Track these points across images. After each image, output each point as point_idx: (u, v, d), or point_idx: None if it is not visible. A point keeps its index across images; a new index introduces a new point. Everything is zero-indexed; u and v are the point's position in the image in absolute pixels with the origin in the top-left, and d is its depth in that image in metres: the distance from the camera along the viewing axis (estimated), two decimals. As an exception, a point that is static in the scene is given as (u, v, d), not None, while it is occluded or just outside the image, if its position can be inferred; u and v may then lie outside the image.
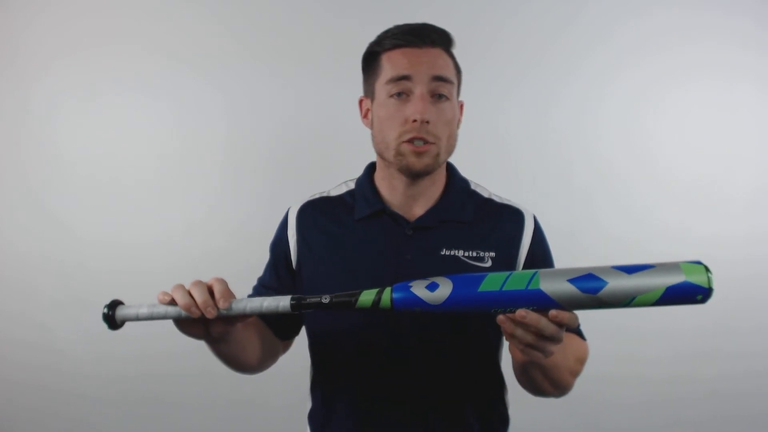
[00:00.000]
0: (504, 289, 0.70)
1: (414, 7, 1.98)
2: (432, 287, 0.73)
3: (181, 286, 0.76)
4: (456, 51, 1.02)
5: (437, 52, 0.95)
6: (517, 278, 0.71)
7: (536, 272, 0.71)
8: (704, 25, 2.03)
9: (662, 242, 2.00)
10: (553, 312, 0.68)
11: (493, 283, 0.71)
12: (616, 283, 0.67)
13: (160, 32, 2.08)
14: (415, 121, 0.90)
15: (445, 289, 0.72)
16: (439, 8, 2.03)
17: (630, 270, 0.68)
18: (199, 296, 0.74)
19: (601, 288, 0.67)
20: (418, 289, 0.73)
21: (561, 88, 2.05)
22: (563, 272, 0.70)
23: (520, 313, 0.69)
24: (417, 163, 0.93)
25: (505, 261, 0.97)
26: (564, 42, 2.05)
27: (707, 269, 0.67)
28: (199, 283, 0.76)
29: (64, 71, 2.10)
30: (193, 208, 2.11)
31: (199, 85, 2.08)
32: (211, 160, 2.10)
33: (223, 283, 0.77)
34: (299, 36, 2.06)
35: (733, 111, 2.05)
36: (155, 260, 2.10)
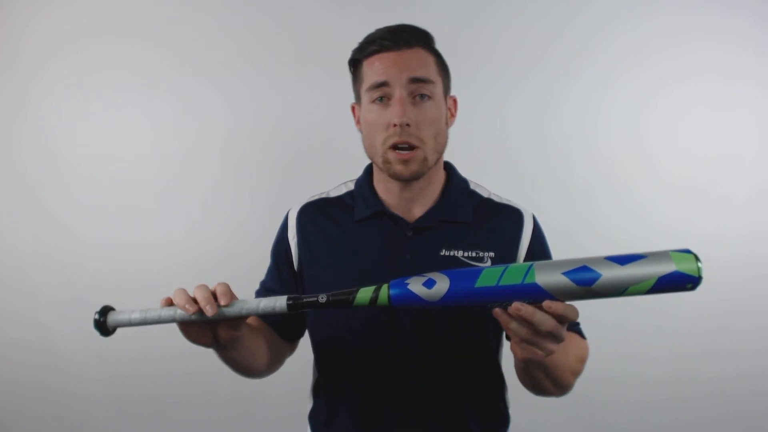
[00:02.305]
0: (500, 284, 0.71)
1: (414, 9, 1.99)
2: (429, 284, 0.73)
3: (183, 289, 0.76)
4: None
5: (415, 53, 0.94)
6: (513, 272, 0.71)
7: (531, 265, 0.71)
8: (704, 25, 2.04)
9: (662, 242, 1.98)
10: (547, 302, 0.68)
11: (489, 278, 0.71)
12: (610, 275, 0.68)
13: (160, 32, 2.08)
14: (395, 125, 0.91)
15: (442, 285, 0.72)
16: (439, 9, 2.03)
17: (622, 261, 0.69)
18: (200, 294, 0.74)
19: (595, 280, 0.68)
20: (415, 285, 0.73)
21: (561, 89, 2.05)
22: (558, 265, 0.71)
23: (515, 306, 0.69)
24: (404, 171, 0.93)
25: (505, 261, 0.97)
26: (564, 42, 2.05)
27: (697, 258, 0.67)
28: (201, 285, 0.76)
29: (63, 71, 2.10)
30: (193, 208, 2.11)
31: (200, 86, 2.09)
32: (211, 161, 2.10)
33: (224, 284, 0.77)
34: (299, 37, 2.06)
35: (733, 111, 2.05)
36: (155, 260, 2.10)
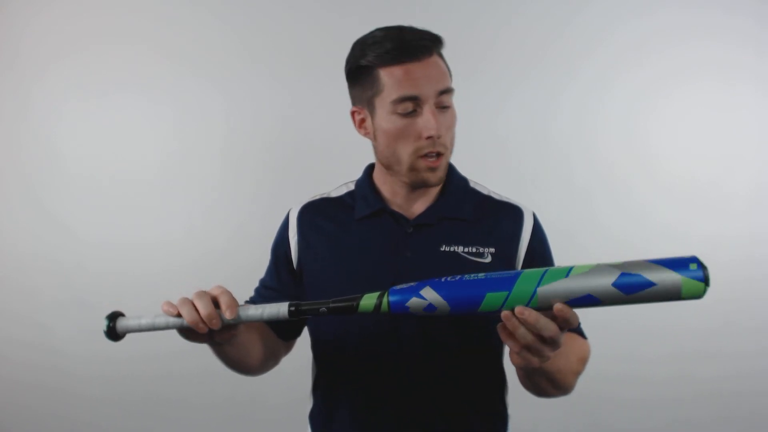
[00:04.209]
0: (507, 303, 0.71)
1: (414, 9, 1.99)
2: (430, 309, 0.73)
3: (188, 301, 0.75)
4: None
5: (435, 62, 0.93)
6: (522, 291, 0.70)
7: (535, 292, 0.70)
8: (704, 25, 2.03)
9: (662, 242, 2.00)
10: (558, 306, 0.68)
11: (494, 302, 0.71)
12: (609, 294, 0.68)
13: (160, 32, 2.09)
14: (429, 137, 0.91)
15: (442, 311, 0.73)
16: (439, 9, 2.03)
17: (629, 288, 0.67)
18: (204, 309, 0.74)
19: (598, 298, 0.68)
20: (415, 308, 0.74)
21: (561, 89, 2.05)
22: (561, 281, 0.70)
23: (519, 309, 0.69)
24: (432, 178, 0.94)
25: (505, 257, 0.97)
26: (564, 42, 2.05)
27: (705, 283, 0.66)
28: (203, 296, 0.76)
29: (63, 71, 2.11)
30: (193, 208, 2.11)
31: (200, 86, 2.09)
32: (211, 161, 2.10)
33: (228, 294, 0.77)
34: (299, 37, 2.06)
35: (733, 111, 2.05)
36: (155, 261, 2.10)
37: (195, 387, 2.09)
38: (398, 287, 0.75)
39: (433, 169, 0.94)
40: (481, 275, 0.73)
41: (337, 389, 1.01)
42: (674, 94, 2.05)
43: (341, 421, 1.00)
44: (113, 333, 0.78)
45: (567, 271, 0.69)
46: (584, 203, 2.06)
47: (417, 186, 0.97)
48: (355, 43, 0.97)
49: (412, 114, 0.92)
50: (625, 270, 0.67)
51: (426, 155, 0.93)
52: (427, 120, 0.91)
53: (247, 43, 2.08)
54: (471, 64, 1.98)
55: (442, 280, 0.74)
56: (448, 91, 0.93)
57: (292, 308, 0.77)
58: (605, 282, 0.67)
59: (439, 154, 0.93)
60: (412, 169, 0.94)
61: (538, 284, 0.69)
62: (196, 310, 0.75)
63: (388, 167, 0.98)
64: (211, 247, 2.09)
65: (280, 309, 0.77)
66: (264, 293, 1.06)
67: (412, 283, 0.75)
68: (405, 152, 0.93)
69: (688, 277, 0.65)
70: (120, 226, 2.11)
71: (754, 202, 2.07)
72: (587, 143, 2.07)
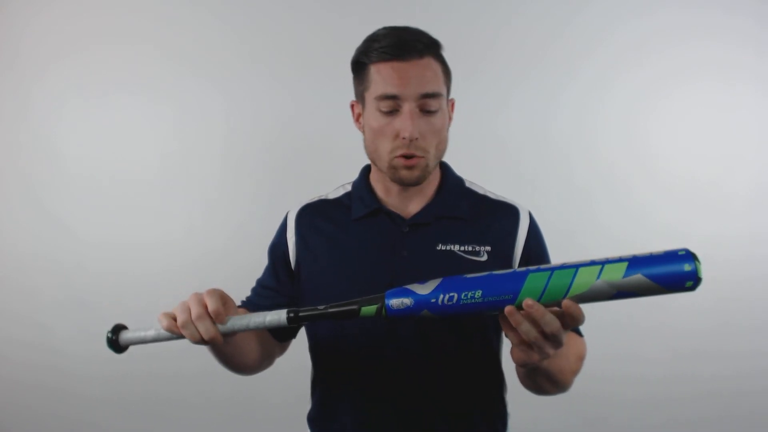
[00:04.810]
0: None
1: (414, 9, 1.99)
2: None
3: (190, 323, 0.76)
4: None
5: (425, 63, 0.93)
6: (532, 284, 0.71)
7: (552, 271, 0.72)
8: (704, 25, 2.04)
9: (662, 242, 1.99)
10: (566, 302, 0.69)
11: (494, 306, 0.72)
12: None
13: (160, 32, 2.09)
14: (404, 138, 0.91)
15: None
16: (439, 9, 2.03)
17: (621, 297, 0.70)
18: (207, 335, 0.76)
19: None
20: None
21: (561, 89, 2.05)
22: (557, 302, 0.71)
23: (527, 302, 0.69)
24: (408, 176, 0.94)
25: (501, 256, 0.98)
26: (564, 42, 2.05)
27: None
28: (204, 319, 0.76)
29: (64, 71, 2.11)
30: (193, 208, 2.11)
31: (200, 86, 2.09)
32: (211, 161, 2.10)
33: (216, 300, 0.77)
34: (299, 38, 2.07)
35: (733, 111, 2.05)
36: (155, 261, 2.10)
37: (195, 387, 2.09)
38: (395, 306, 0.75)
39: (409, 168, 0.94)
40: (477, 296, 0.72)
41: (335, 391, 1.02)
42: (674, 94, 2.05)
43: (341, 422, 1.00)
44: (116, 345, 0.80)
45: (565, 291, 0.70)
46: (584, 203, 2.06)
47: (399, 184, 0.97)
48: (364, 38, 0.99)
49: (393, 113, 0.92)
50: (621, 289, 0.68)
51: (403, 155, 0.93)
52: (402, 121, 0.91)
53: (247, 43, 2.08)
54: (471, 64, 1.98)
55: (439, 302, 0.73)
56: (433, 95, 0.92)
57: (291, 314, 0.77)
58: (600, 299, 0.70)
59: (415, 156, 0.93)
60: (390, 166, 0.95)
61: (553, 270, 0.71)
62: (197, 330, 0.76)
63: (374, 163, 1.00)
64: (211, 247, 2.09)
65: (281, 316, 0.78)
66: (262, 293, 1.06)
67: (408, 302, 0.75)
68: (384, 150, 0.94)
69: (680, 292, 0.69)
70: (120, 226, 2.11)
71: (754, 202, 2.07)
72: (587, 143, 2.07)
